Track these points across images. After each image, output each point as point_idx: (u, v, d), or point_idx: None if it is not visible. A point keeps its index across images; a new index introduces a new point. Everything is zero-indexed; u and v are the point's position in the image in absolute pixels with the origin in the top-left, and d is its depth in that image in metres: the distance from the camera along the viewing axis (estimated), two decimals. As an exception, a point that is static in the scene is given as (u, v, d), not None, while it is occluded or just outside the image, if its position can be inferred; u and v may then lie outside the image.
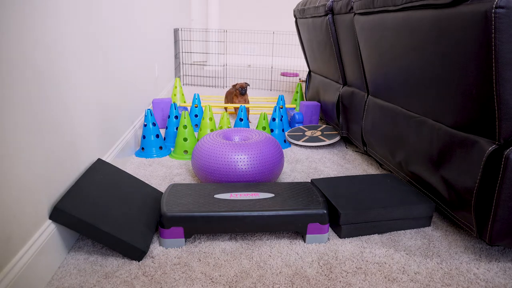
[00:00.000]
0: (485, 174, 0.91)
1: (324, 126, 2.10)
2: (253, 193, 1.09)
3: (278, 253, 0.98)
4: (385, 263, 0.95)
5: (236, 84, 2.31)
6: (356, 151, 1.83)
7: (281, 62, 5.55)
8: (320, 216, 1.01)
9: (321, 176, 1.50)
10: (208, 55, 4.75)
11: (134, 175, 1.44)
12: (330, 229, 1.10)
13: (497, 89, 0.83)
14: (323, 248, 1.01)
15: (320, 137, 1.90)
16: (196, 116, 2.17)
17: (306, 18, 2.18)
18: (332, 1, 1.78)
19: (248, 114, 2.34)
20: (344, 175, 1.52)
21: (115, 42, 1.45)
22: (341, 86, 1.91)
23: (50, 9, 0.89)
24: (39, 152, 0.82)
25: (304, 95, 2.98)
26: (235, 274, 0.89)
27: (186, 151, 1.66)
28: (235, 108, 2.41)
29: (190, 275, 0.88)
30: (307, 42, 2.37)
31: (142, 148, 1.66)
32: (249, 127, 1.68)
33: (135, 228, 0.96)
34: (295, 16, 2.44)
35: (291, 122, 2.23)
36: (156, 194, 1.17)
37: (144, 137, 1.64)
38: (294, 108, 2.58)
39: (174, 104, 1.83)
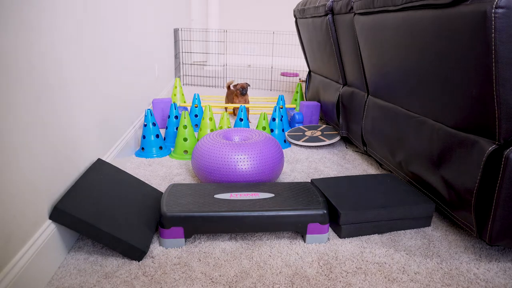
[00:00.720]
0: (485, 174, 0.91)
1: (324, 126, 2.10)
2: (253, 193, 1.09)
3: (278, 253, 0.98)
4: (385, 263, 0.95)
5: (237, 85, 2.31)
6: (356, 151, 1.83)
7: (281, 62, 5.55)
8: (320, 216, 1.01)
9: (321, 176, 1.50)
10: (208, 55, 4.75)
11: (134, 175, 1.44)
12: (330, 229, 1.10)
13: (497, 89, 0.83)
14: (323, 248, 1.01)
15: (320, 137, 1.90)
16: (196, 116, 2.17)
17: (306, 18, 2.18)
18: (332, 1, 1.78)
19: (248, 114, 2.34)
20: (344, 175, 1.52)
21: (115, 42, 1.45)
22: (341, 86, 1.91)
23: (48, 8, 0.89)
24: (39, 152, 0.82)
25: (304, 95, 2.98)
26: (235, 274, 0.89)
27: (186, 151, 1.66)
28: (234, 109, 2.41)
29: (190, 275, 0.88)
30: (307, 42, 2.37)
31: (142, 148, 1.66)
32: (249, 127, 1.68)
33: (135, 228, 0.96)
34: (295, 16, 2.44)
35: (291, 122, 2.23)
36: (156, 194, 1.17)
37: (144, 137, 1.64)
38: (294, 108, 2.58)
39: (174, 104, 1.83)
